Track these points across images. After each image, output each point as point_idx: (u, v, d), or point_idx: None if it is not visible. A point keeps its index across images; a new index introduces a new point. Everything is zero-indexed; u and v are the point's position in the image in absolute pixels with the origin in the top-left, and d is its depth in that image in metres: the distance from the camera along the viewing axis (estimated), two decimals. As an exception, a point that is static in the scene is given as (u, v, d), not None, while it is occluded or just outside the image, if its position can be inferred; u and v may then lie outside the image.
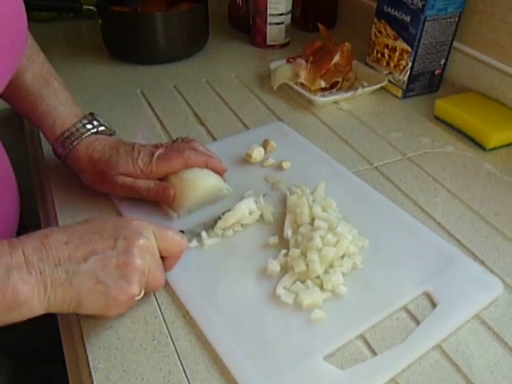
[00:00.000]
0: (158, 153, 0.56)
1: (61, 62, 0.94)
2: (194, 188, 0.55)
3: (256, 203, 0.56)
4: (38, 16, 1.07)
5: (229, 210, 0.54)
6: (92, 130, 0.58)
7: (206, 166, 0.57)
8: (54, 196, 0.60)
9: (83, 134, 0.57)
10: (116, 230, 0.41)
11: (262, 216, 0.56)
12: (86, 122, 0.58)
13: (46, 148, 0.67)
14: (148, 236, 0.42)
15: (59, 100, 0.59)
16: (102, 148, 0.57)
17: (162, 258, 0.45)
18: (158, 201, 0.56)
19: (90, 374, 0.41)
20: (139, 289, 0.41)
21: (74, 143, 0.57)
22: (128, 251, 0.40)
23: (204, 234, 0.53)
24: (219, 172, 0.59)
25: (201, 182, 0.56)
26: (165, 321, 0.46)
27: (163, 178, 0.57)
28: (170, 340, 0.44)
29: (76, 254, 0.39)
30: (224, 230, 0.54)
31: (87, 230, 0.41)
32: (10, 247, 0.37)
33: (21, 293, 0.36)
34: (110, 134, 0.61)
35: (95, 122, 0.59)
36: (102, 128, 0.59)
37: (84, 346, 0.43)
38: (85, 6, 0.94)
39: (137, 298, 0.42)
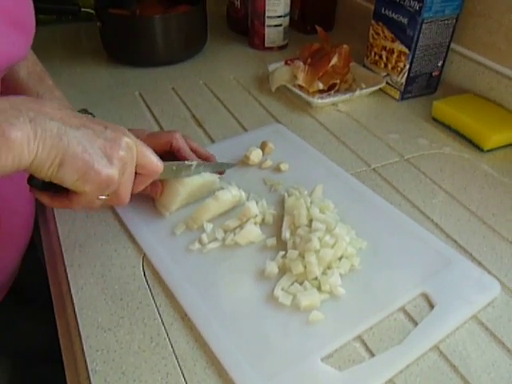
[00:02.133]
0: (147, 132, 0.57)
1: (59, 65, 0.94)
2: (184, 184, 0.55)
3: (257, 204, 0.56)
4: (37, 19, 1.07)
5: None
6: None
7: (191, 150, 0.57)
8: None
9: None
10: (106, 123, 0.42)
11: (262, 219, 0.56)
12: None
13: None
14: (133, 141, 0.43)
15: (54, 95, 0.60)
16: None
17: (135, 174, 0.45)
18: (147, 196, 0.57)
19: (88, 377, 0.41)
20: (117, 176, 0.41)
21: None
22: (115, 140, 0.41)
23: (204, 236, 0.53)
24: (207, 159, 0.59)
25: (191, 178, 0.56)
26: (163, 323, 0.46)
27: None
28: (168, 342, 0.44)
29: (69, 121, 0.39)
30: (225, 233, 0.54)
31: (78, 114, 0.42)
32: None
33: (12, 133, 0.34)
34: None
35: (88, 116, 0.60)
36: None
37: (82, 348, 0.43)
38: (83, 9, 0.94)
39: (103, 197, 0.42)
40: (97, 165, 0.39)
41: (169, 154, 0.58)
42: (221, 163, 0.61)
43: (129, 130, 0.57)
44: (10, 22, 0.44)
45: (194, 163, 0.55)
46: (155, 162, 0.46)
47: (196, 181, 0.56)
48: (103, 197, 0.42)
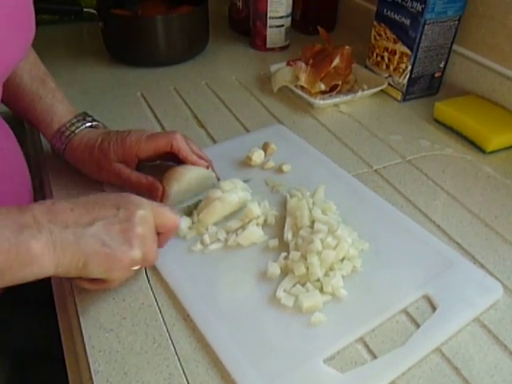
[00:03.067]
0: (148, 133, 0.59)
1: (62, 65, 0.94)
2: (178, 179, 0.56)
3: (259, 205, 0.56)
4: (39, 19, 1.07)
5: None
6: (87, 124, 0.61)
7: (192, 151, 0.59)
8: (54, 197, 0.60)
9: (78, 127, 0.60)
10: (117, 201, 0.44)
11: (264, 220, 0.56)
12: (81, 118, 0.61)
13: (47, 149, 0.67)
14: (147, 209, 0.44)
15: (56, 98, 0.61)
16: (95, 135, 0.60)
17: (157, 234, 0.46)
18: (147, 197, 0.57)
19: (91, 377, 0.41)
20: (140, 254, 0.43)
21: (71, 136, 0.59)
22: (130, 219, 0.42)
23: (206, 237, 0.53)
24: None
25: (184, 174, 0.57)
26: (165, 324, 0.46)
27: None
28: (170, 343, 0.44)
29: (82, 220, 0.41)
30: (228, 234, 0.54)
31: (89, 200, 0.43)
32: (20, 210, 0.39)
33: (33, 249, 0.37)
34: (104, 128, 0.63)
35: (89, 118, 0.62)
36: (96, 123, 0.62)
37: (84, 348, 0.43)
38: (85, 9, 0.94)
39: (135, 268, 0.44)
40: (119, 254, 0.41)
41: (169, 155, 0.58)
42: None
43: (129, 130, 0.58)
44: (9, 28, 0.44)
45: (202, 197, 0.56)
46: (172, 218, 0.47)
47: (189, 176, 0.57)
48: (135, 268, 0.44)
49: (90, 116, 0.62)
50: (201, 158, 0.59)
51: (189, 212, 0.56)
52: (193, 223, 0.55)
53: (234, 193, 0.55)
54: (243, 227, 0.54)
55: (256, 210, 0.54)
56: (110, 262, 0.41)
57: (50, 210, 0.40)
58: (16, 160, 0.57)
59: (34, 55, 0.62)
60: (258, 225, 0.54)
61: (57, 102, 0.61)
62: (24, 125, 0.79)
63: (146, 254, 0.44)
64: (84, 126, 0.60)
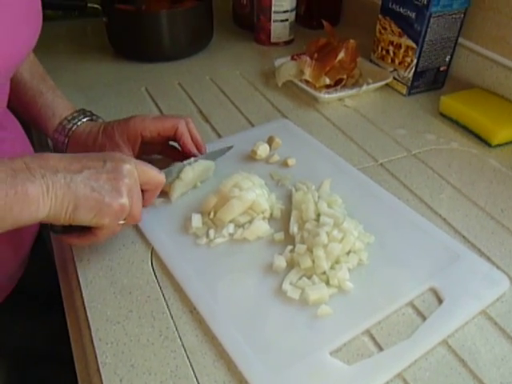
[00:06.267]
0: (153, 114, 0.60)
1: (66, 60, 0.94)
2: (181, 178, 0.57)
3: (266, 197, 0.56)
4: (43, 14, 1.07)
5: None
6: (88, 117, 0.62)
7: (192, 138, 0.60)
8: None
9: (80, 119, 0.61)
10: (103, 156, 0.45)
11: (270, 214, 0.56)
12: (81, 112, 0.62)
13: (50, 150, 0.67)
14: (131, 164, 0.46)
15: (56, 94, 0.62)
16: (97, 124, 0.61)
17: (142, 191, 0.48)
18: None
19: (98, 369, 0.41)
20: (128, 202, 0.44)
21: (73, 128, 0.60)
22: (117, 170, 0.44)
23: (212, 232, 0.53)
24: (199, 151, 0.61)
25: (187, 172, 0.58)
26: (172, 316, 0.46)
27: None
28: (177, 335, 0.44)
29: (71, 167, 0.42)
30: (234, 228, 0.54)
31: (77, 155, 0.44)
32: (10, 159, 0.40)
33: (30, 190, 0.38)
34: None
35: (88, 113, 0.63)
36: (95, 117, 0.63)
37: (92, 341, 0.44)
38: (89, 4, 0.94)
39: (121, 222, 0.46)
40: (107, 199, 0.43)
41: (171, 139, 0.60)
42: (213, 152, 0.63)
43: (132, 116, 0.59)
44: (22, 14, 0.44)
45: (192, 160, 0.57)
46: (157, 176, 0.49)
47: (197, 167, 0.58)
48: (122, 222, 0.46)
49: (88, 111, 0.63)
50: (199, 146, 0.61)
51: (170, 176, 0.56)
52: (203, 220, 0.55)
53: (251, 190, 0.54)
54: (250, 221, 0.54)
55: (264, 204, 0.54)
56: (99, 206, 0.42)
57: (39, 157, 0.41)
58: (24, 150, 0.58)
59: (32, 54, 0.63)
60: (264, 219, 0.54)
61: (57, 97, 0.62)
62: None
63: (132, 207, 0.45)
64: (86, 119, 0.61)
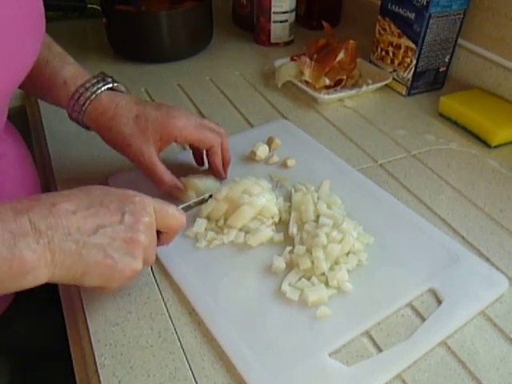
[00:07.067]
0: (196, 119, 0.57)
1: (65, 61, 0.94)
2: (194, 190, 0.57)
3: (275, 202, 0.56)
4: (45, 15, 1.07)
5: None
6: (108, 85, 0.55)
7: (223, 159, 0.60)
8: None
9: (99, 88, 0.54)
10: (122, 203, 0.41)
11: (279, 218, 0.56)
12: (101, 78, 0.56)
13: (52, 148, 0.67)
14: (151, 213, 0.42)
15: (65, 61, 0.56)
16: (128, 105, 0.55)
17: (159, 232, 0.45)
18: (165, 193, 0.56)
19: (97, 371, 0.41)
20: (141, 265, 0.41)
21: (92, 97, 0.53)
22: (134, 227, 0.40)
23: (212, 234, 0.53)
24: (219, 175, 0.61)
25: (197, 185, 0.58)
26: (171, 318, 0.46)
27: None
28: (175, 337, 0.44)
29: (85, 226, 0.38)
30: (237, 231, 0.53)
31: (93, 201, 0.40)
32: (14, 213, 0.35)
33: (28, 261, 0.34)
34: (128, 92, 0.59)
35: (109, 79, 0.56)
36: (116, 84, 0.56)
37: (90, 342, 0.44)
38: (89, 5, 0.95)
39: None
40: (121, 265, 0.39)
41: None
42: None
43: (170, 109, 0.55)
44: (25, 28, 0.43)
45: (207, 196, 0.55)
46: (177, 218, 0.45)
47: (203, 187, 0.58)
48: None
49: (109, 76, 0.56)
50: (225, 166, 0.60)
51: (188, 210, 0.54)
52: (210, 226, 0.54)
53: (261, 196, 0.54)
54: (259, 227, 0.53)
55: (274, 208, 0.54)
56: (110, 272, 0.39)
57: (50, 212, 0.36)
58: (27, 165, 0.56)
59: None
60: (273, 223, 0.54)
61: (67, 63, 0.55)
62: (29, 128, 0.79)
63: (146, 259, 0.43)
64: (106, 87, 0.55)
